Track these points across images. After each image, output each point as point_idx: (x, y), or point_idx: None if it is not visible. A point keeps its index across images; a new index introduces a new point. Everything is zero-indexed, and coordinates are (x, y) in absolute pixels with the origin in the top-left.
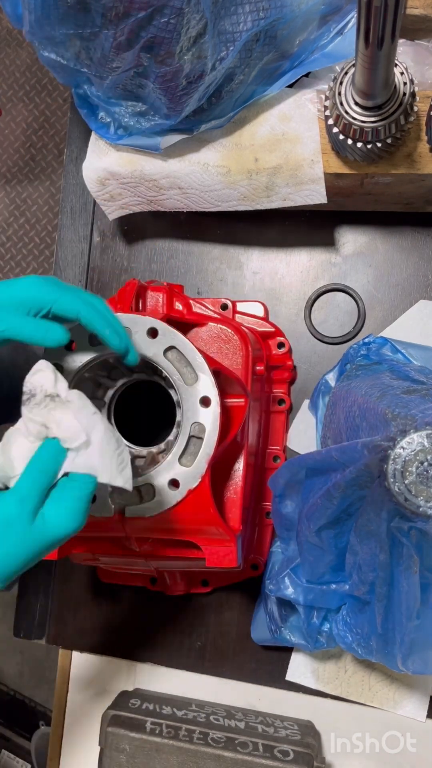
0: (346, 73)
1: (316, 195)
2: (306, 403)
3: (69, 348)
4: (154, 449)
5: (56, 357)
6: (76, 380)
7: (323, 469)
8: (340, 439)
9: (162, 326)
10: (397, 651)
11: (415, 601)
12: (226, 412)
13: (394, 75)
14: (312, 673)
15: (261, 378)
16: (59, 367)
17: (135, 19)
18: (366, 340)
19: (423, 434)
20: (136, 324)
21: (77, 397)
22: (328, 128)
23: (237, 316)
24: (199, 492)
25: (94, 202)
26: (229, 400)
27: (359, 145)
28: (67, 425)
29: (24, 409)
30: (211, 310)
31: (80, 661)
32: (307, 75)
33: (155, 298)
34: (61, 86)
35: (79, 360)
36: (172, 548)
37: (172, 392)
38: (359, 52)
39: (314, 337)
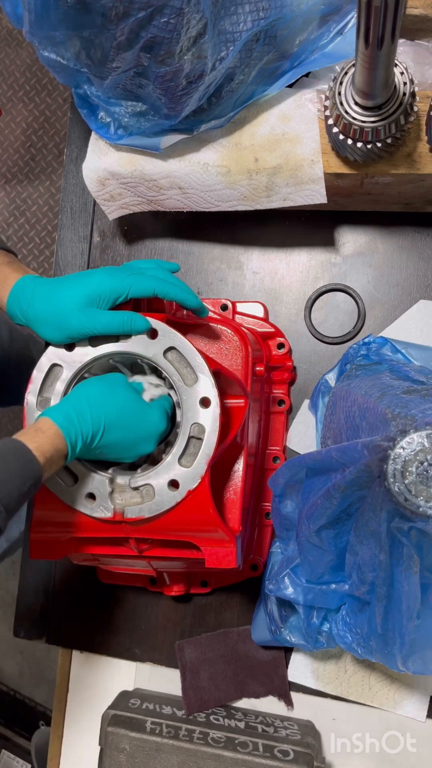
0: (346, 73)
1: (316, 195)
2: (306, 403)
3: (70, 348)
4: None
5: (56, 357)
6: (77, 380)
7: (323, 469)
8: (340, 439)
9: (162, 327)
10: (397, 651)
11: (415, 601)
12: (225, 412)
13: (394, 75)
14: (312, 673)
15: (261, 379)
16: (59, 368)
17: (135, 19)
18: (366, 340)
19: (423, 434)
20: None
21: None
22: (328, 128)
23: (237, 316)
24: (199, 493)
25: (94, 202)
26: (228, 401)
27: (359, 145)
28: None
29: None
30: (211, 310)
31: (80, 661)
32: (307, 75)
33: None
34: (61, 86)
35: (79, 360)
36: (172, 549)
37: (171, 393)
38: (359, 52)
39: (314, 337)
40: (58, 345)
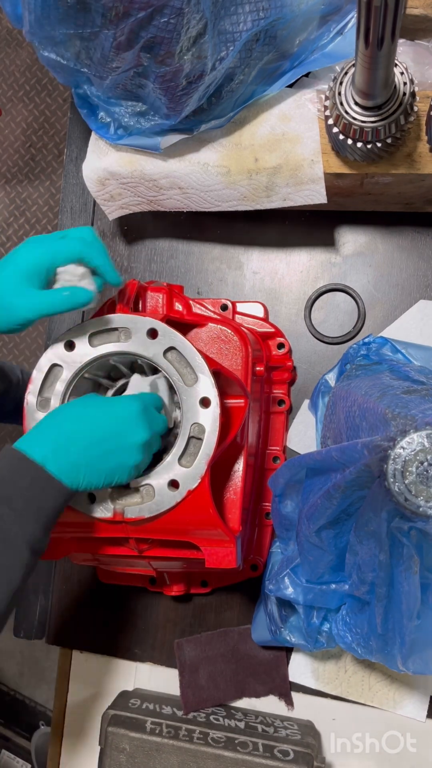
0: (346, 73)
1: (316, 195)
2: (306, 403)
3: (70, 348)
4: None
5: (56, 357)
6: (77, 381)
7: (323, 469)
8: (340, 439)
9: (162, 327)
10: (397, 651)
11: (415, 601)
12: (225, 412)
13: (394, 75)
14: (312, 673)
15: (261, 379)
16: (59, 368)
17: (135, 19)
18: (366, 340)
19: (423, 434)
20: (136, 324)
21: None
22: (328, 128)
23: (237, 316)
24: (199, 493)
25: (94, 202)
26: (228, 401)
27: (359, 145)
28: None
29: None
30: (210, 310)
31: (80, 661)
32: (307, 75)
33: (155, 299)
34: (61, 86)
35: (79, 360)
36: (172, 549)
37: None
38: (359, 52)
39: (314, 337)
40: (4, 332)
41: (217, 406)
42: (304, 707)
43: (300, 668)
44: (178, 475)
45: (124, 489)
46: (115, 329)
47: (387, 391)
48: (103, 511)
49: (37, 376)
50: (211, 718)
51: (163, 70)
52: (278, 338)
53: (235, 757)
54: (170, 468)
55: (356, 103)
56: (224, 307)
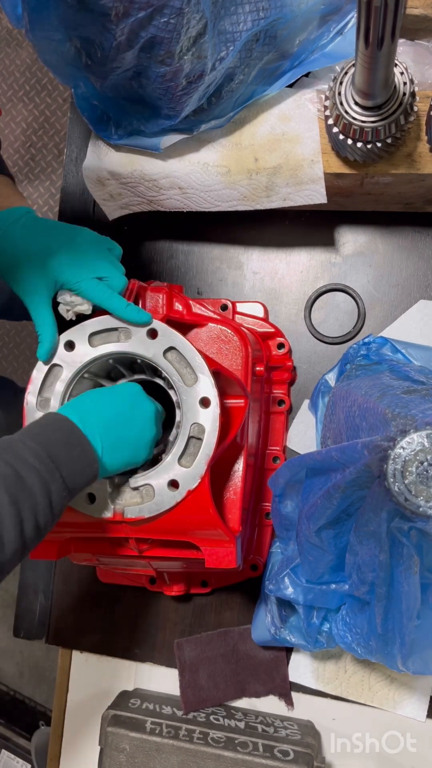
0: (346, 73)
1: (316, 195)
2: (306, 403)
3: (70, 348)
4: (154, 450)
5: (57, 358)
6: (76, 381)
7: (323, 469)
8: (340, 439)
9: (162, 327)
10: (397, 651)
11: (415, 602)
12: (225, 412)
13: (394, 75)
14: (312, 673)
15: (261, 379)
16: (59, 368)
17: (135, 19)
18: (366, 340)
19: (423, 434)
20: None
21: None
22: (328, 128)
23: (237, 316)
24: (199, 493)
25: (94, 202)
26: (228, 401)
27: (359, 145)
28: None
29: None
30: (210, 310)
31: (80, 661)
32: (307, 75)
33: (155, 299)
34: (61, 86)
35: (79, 360)
36: (172, 549)
37: (171, 393)
38: (359, 52)
39: (314, 337)
40: (31, 296)
41: (217, 406)
42: (304, 707)
43: (300, 668)
44: (178, 475)
45: (124, 489)
46: (115, 329)
47: (387, 391)
48: (103, 511)
49: (37, 376)
50: (211, 718)
51: (163, 70)
52: (278, 338)
53: (235, 757)
54: (170, 468)
55: (356, 103)
56: (224, 307)
